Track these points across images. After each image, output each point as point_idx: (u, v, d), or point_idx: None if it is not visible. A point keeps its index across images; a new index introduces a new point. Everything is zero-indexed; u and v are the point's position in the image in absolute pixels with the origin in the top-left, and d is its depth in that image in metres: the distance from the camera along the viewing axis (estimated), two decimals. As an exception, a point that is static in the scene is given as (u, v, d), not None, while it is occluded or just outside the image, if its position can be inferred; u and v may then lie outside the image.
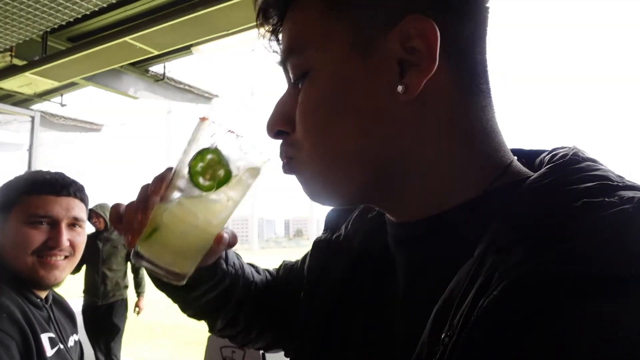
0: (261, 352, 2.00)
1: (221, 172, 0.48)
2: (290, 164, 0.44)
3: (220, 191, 0.48)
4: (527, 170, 0.42)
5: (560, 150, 0.40)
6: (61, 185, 1.07)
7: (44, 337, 0.95)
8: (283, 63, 0.43)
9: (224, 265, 0.61)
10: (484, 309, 0.29)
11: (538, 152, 0.45)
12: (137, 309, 4.08)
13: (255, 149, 0.50)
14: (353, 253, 0.51)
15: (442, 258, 0.39)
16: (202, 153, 0.48)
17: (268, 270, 0.73)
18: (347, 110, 0.39)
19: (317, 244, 0.56)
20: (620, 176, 0.35)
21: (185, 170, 0.48)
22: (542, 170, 0.37)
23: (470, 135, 0.40)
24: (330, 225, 0.57)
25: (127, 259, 3.90)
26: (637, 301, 0.26)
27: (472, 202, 0.40)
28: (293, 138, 0.42)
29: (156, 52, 3.30)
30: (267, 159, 0.51)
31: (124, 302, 3.94)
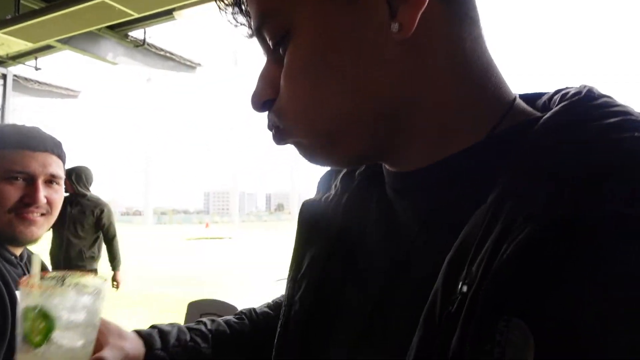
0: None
1: (45, 324, 0.50)
2: (279, 133, 0.42)
3: (57, 339, 0.50)
4: (532, 109, 0.40)
5: (570, 89, 0.38)
6: (38, 141, 1.03)
7: (19, 294, 0.94)
8: (257, 31, 0.41)
9: (161, 353, 0.62)
10: (509, 255, 0.27)
11: (539, 94, 0.43)
12: (114, 283, 3.82)
13: (87, 279, 0.54)
14: (344, 209, 0.49)
15: (452, 205, 0.37)
16: (25, 314, 0.50)
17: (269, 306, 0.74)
18: (339, 64, 0.36)
19: (306, 204, 0.54)
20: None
21: (20, 338, 0.50)
22: (557, 108, 0.35)
23: (470, 69, 0.38)
24: (322, 188, 0.55)
25: (98, 228, 3.67)
26: None
27: (480, 144, 0.37)
28: (278, 105, 0.40)
29: (136, 15, 3.19)
30: (101, 281, 0.54)
31: (91, 274, 3.75)
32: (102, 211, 3.68)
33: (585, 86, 0.37)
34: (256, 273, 9.08)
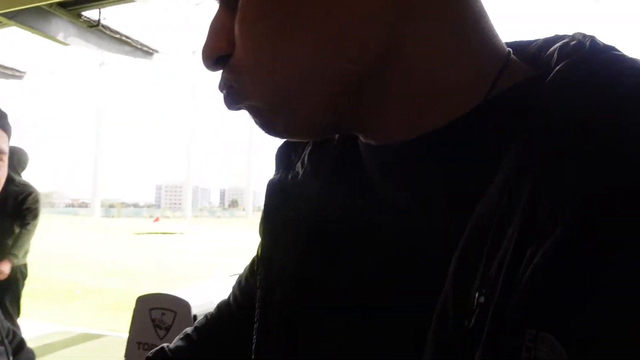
0: (192, 314, 1.96)
1: None
2: (232, 94, 0.35)
3: None
4: (527, 66, 0.35)
5: (568, 39, 0.33)
6: None
7: None
8: None
9: None
10: (538, 265, 0.22)
11: (528, 42, 0.37)
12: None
13: None
14: (320, 193, 0.42)
15: (453, 183, 0.33)
16: None
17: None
18: (302, 9, 0.31)
19: (272, 186, 0.46)
20: None
21: None
22: (562, 66, 0.29)
23: (461, 17, 0.33)
24: (282, 164, 0.47)
25: (16, 215, 3.32)
26: None
27: (480, 108, 0.32)
28: (233, 60, 0.34)
29: (92, -7, 3.02)
30: None
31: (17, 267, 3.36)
32: (29, 194, 3.40)
33: (584, 36, 0.32)
34: (208, 268, 8.90)
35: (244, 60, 0.33)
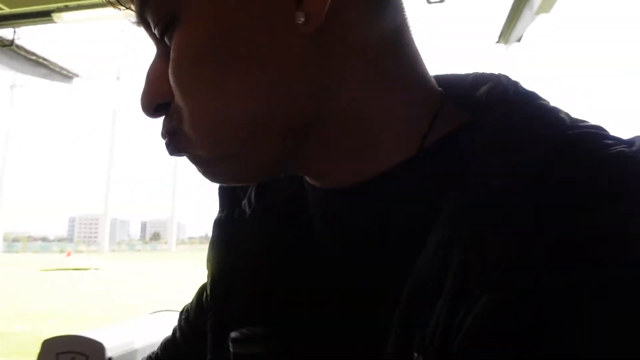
0: (107, 357, 1.80)
1: None
2: (174, 141, 0.35)
3: None
4: (459, 110, 0.36)
5: (494, 82, 0.34)
6: None
7: None
8: (140, 15, 0.34)
9: None
10: (468, 331, 0.24)
11: (459, 80, 0.39)
12: None
13: None
14: (270, 232, 0.42)
15: (388, 235, 0.33)
16: None
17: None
18: (236, 58, 0.31)
19: (220, 224, 0.45)
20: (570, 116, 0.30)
21: None
22: (494, 114, 0.31)
23: (391, 66, 0.33)
24: (228, 200, 0.46)
25: None
26: None
27: (416, 158, 0.33)
28: (173, 107, 0.34)
29: (6, 10, 2.83)
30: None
31: None
32: None
33: (509, 81, 0.33)
34: (126, 307, 8.30)
35: (183, 108, 0.33)
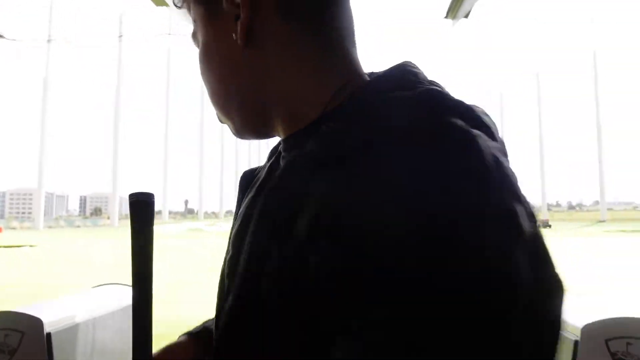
0: (46, 332, 1.71)
1: None
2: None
3: None
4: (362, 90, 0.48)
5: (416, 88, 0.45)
6: None
7: None
8: (194, 34, 0.55)
9: None
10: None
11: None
12: None
13: None
14: (262, 177, 0.56)
15: (288, 175, 0.45)
16: None
17: None
18: (212, 60, 0.52)
19: (244, 173, 0.62)
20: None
21: None
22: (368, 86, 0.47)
23: (303, 59, 0.48)
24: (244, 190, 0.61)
25: None
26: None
27: (314, 122, 0.47)
28: None
29: None
30: None
31: None
32: None
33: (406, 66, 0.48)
34: (66, 281, 7.96)
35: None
